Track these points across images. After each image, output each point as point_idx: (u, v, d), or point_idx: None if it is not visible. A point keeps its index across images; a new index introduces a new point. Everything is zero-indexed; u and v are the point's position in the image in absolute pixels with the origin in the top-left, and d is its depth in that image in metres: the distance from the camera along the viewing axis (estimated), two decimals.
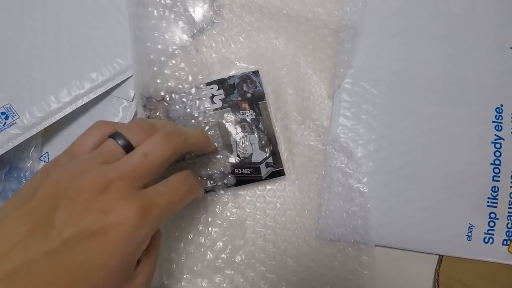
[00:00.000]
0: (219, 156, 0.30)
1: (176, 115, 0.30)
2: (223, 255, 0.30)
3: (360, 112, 0.32)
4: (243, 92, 0.31)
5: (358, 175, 0.31)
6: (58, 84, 0.29)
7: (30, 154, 0.31)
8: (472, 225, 0.30)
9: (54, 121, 0.29)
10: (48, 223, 0.16)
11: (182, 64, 0.31)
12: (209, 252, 0.30)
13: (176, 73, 0.31)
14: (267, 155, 0.30)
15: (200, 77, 0.31)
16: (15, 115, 0.28)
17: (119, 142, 0.19)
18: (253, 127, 0.31)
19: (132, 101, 0.31)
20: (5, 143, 0.28)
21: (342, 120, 0.32)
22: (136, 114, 0.31)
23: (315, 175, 0.31)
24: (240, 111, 0.31)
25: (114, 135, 0.20)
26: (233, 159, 0.30)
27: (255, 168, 0.30)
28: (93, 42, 0.30)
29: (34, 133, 0.28)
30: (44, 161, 0.32)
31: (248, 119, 0.31)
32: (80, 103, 0.29)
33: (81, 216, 0.17)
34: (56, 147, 0.32)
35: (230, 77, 0.31)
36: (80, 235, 0.16)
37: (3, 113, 0.28)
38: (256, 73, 0.31)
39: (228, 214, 0.31)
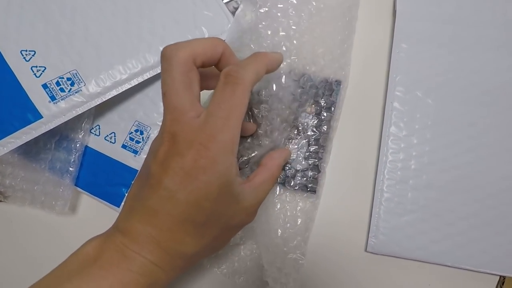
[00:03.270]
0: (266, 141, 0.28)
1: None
2: None
3: (413, 123, 0.31)
4: (317, 96, 0.30)
5: (412, 189, 0.29)
6: (126, 55, 0.29)
7: (83, 125, 0.30)
8: None
9: (120, 92, 0.28)
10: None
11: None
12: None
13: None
14: (309, 167, 0.29)
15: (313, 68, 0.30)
16: (81, 82, 0.27)
17: None
18: (308, 134, 0.30)
19: None
20: (69, 110, 0.27)
21: (393, 129, 0.31)
22: None
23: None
24: (304, 113, 0.30)
25: None
26: None
27: (291, 174, 0.29)
28: (163, 15, 0.30)
29: (98, 102, 0.28)
30: (95, 134, 0.31)
31: (307, 124, 0.30)
32: (147, 75, 0.29)
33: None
34: (108, 121, 0.31)
35: (315, 76, 0.30)
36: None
37: (69, 79, 0.27)
38: (338, 83, 0.30)
39: None
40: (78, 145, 0.30)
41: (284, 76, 0.28)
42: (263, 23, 0.30)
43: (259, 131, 0.27)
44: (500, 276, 0.29)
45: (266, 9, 0.31)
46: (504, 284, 0.29)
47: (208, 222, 0.19)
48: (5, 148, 0.25)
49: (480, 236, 0.29)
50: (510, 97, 0.31)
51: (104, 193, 0.30)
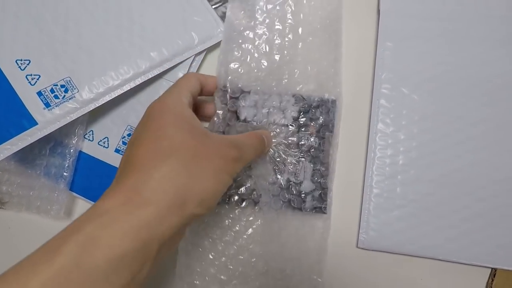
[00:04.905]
0: (271, 177, 0.30)
1: (244, 116, 0.30)
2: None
3: (400, 119, 0.31)
4: (316, 117, 0.30)
5: (401, 184, 0.30)
6: (118, 61, 0.30)
7: (76, 131, 0.31)
8: None
9: (112, 97, 0.29)
10: None
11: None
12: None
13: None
14: (317, 187, 0.30)
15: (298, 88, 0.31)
16: (75, 88, 0.28)
17: None
18: (313, 156, 0.30)
19: None
20: (63, 116, 0.28)
21: (381, 126, 0.31)
22: None
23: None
24: (306, 136, 0.30)
25: None
26: (283, 181, 0.29)
27: (301, 198, 0.30)
28: (154, 21, 0.31)
29: (91, 108, 0.29)
30: (89, 139, 0.32)
31: (310, 145, 0.30)
32: (139, 81, 0.30)
33: None
34: (101, 126, 0.32)
35: (310, 97, 0.30)
36: None
37: (62, 86, 0.28)
38: (333, 102, 0.31)
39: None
40: (72, 150, 0.31)
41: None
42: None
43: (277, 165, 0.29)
44: (492, 268, 0.29)
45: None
46: (496, 276, 0.29)
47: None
48: (1, 155, 0.26)
49: (471, 229, 0.29)
50: (495, 90, 0.31)
51: (98, 197, 0.30)
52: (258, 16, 0.31)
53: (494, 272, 0.29)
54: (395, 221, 0.30)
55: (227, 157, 0.22)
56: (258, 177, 0.29)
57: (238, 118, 0.30)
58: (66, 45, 0.29)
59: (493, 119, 0.31)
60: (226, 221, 0.30)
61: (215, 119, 0.29)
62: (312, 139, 0.30)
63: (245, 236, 0.29)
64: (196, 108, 0.29)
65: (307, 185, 0.29)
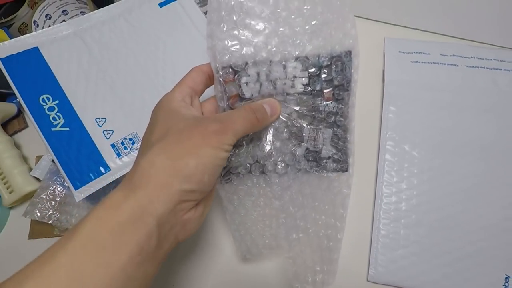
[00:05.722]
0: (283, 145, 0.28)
1: (250, 94, 0.27)
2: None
3: (402, 171, 0.38)
4: (330, 79, 0.27)
5: (404, 227, 0.35)
6: None
7: None
8: (509, 276, 0.33)
9: None
10: None
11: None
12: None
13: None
14: (337, 151, 0.28)
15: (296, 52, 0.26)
16: (139, 141, 0.35)
17: None
18: (331, 121, 0.27)
19: None
20: (130, 163, 0.34)
21: (386, 177, 0.38)
22: None
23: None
24: (322, 102, 0.27)
25: None
26: (301, 150, 0.28)
27: (321, 164, 0.28)
28: None
29: None
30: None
31: (328, 111, 0.27)
32: None
33: None
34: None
35: (318, 56, 0.26)
36: None
37: (130, 139, 0.35)
38: (348, 54, 0.27)
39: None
40: None
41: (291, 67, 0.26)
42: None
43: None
44: None
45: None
46: None
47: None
48: (82, 195, 0.33)
49: (462, 268, 0.34)
50: (481, 150, 0.38)
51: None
52: None
53: None
54: (399, 259, 0.35)
55: (206, 132, 0.23)
56: (273, 146, 0.28)
57: (243, 98, 0.27)
58: (133, 106, 0.37)
59: (480, 174, 0.37)
60: (252, 189, 0.30)
61: (220, 105, 0.28)
62: (327, 104, 0.27)
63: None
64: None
65: (327, 150, 0.28)
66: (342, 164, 0.28)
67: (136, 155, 0.35)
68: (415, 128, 0.39)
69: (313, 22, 0.26)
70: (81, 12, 0.48)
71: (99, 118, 0.35)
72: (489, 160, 0.37)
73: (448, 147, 0.38)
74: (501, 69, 0.41)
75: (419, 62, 0.42)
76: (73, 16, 0.48)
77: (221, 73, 0.26)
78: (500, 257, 0.34)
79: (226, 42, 0.26)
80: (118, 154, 0.35)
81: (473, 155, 0.38)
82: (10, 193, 0.40)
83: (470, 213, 0.36)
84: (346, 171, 0.29)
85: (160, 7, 0.42)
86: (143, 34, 0.40)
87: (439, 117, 0.39)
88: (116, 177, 0.34)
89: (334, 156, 0.28)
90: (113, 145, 0.35)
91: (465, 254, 0.34)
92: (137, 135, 0.36)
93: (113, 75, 0.37)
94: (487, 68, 0.41)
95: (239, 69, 0.26)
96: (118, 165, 0.34)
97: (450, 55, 0.42)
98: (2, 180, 0.40)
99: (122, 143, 0.35)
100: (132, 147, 0.35)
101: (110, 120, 0.36)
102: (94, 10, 0.44)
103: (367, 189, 0.38)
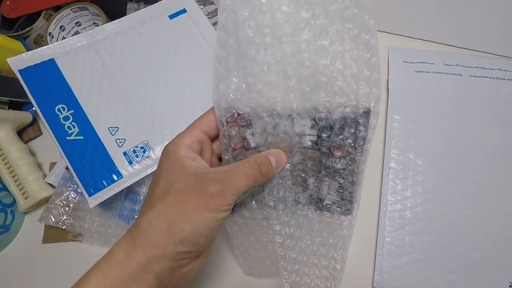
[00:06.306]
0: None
1: (256, 143, 0.26)
2: None
3: (407, 179, 0.39)
4: (342, 138, 0.24)
5: (409, 234, 0.36)
6: (183, 127, 0.37)
7: (146, 181, 0.39)
8: None
9: None
10: None
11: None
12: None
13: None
14: (342, 199, 0.27)
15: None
16: (150, 149, 0.36)
17: None
18: (338, 175, 0.26)
19: None
20: (142, 171, 0.36)
21: (391, 185, 0.39)
22: None
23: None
24: (330, 159, 0.25)
25: None
26: (305, 196, 0.27)
27: (324, 207, 0.27)
28: (209, 94, 0.39)
29: None
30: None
31: (336, 167, 0.25)
32: None
33: None
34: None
35: (327, 113, 0.24)
36: None
37: (142, 147, 0.36)
38: (366, 113, 0.24)
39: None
40: (141, 197, 0.39)
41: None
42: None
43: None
44: None
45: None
46: None
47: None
48: (96, 201, 0.34)
49: (467, 275, 0.35)
50: (483, 157, 0.39)
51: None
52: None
53: None
54: (404, 266, 0.36)
55: (205, 194, 0.23)
56: (277, 194, 0.27)
57: (247, 148, 0.26)
58: (144, 115, 0.38)
59: (483, 182, 0.38)
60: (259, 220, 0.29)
61: (224, 157, 0.27)
62: (336, 160, 0.25)
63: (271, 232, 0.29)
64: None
65: (331, 199, 0.27)
66: (346, 208, 0.27)
67: (147, 163, 0.36)
68: (419, 136, 0.40)
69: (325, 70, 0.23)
70: (93, 23, 0.50)
71: (112, 127, 0.37)
72: (493, 168, 0.38)
73: (452, 155, 0.39)
74: (504, 79, 0.41)
75: (423, 71, 0.43)
76: (86, 28, 0.50)
77: (226, 128, 0.26)
78: (504, 264, 0.34)
79: (232, 96, 0.24)
80: (130, 162, 0.36)
81: (476, 163, 0.38)
82: (25, 199, 0.41)
83: (474, 220, 0.36)
84: (350, 214, 0.28)
85: (170, 19, 0.43)
86: (154, 46, 0.41)
87: (443, 125, 0.40)
88: (128, 184, 0.35)
89: (338, 203, 0.27)
90: (125, 153, 0.36)
91: (469, 261, 0.35)
92: (148, 144, 0.37)
93: (125, 85, 0.39)
94: (490, 77, 0.41)
95: (244, 123, 0.25)
96: (130, 172, 0.36)
97: (454, 65, 0.43)
98: (18, 186, 0.42)
99: (134, 151, 0.36)
100: (143, 155, 0.36)
101: (122, 129, 0.37)
102: (106, 21, 0.45)
103: (372, 196, 0.39)
